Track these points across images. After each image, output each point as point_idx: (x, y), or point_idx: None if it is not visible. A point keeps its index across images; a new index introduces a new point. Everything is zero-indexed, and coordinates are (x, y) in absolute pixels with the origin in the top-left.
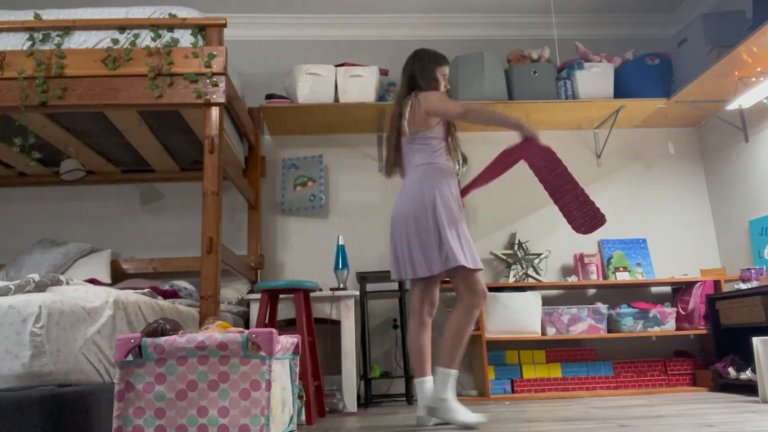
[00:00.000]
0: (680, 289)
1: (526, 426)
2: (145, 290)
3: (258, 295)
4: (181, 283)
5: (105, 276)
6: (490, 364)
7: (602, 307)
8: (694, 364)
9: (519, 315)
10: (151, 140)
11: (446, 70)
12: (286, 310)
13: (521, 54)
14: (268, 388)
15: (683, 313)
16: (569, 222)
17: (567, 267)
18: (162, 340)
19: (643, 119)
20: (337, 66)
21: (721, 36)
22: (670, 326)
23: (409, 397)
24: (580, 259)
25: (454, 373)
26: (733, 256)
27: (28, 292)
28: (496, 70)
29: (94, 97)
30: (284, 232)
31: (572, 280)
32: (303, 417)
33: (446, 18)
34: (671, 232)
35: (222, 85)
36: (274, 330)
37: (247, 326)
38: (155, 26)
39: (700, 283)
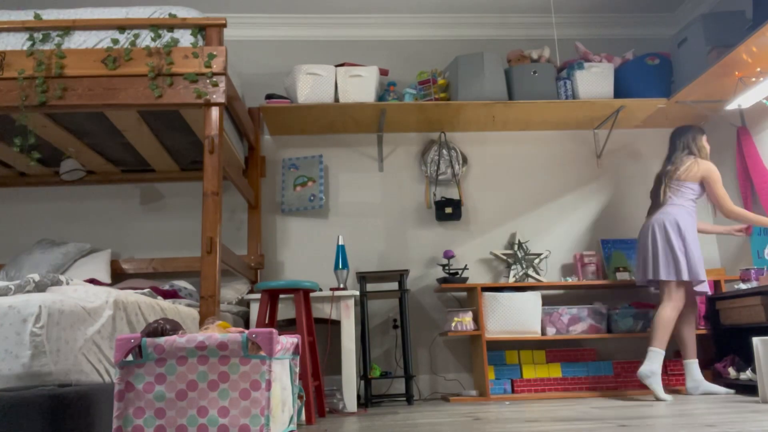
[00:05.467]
0: None
1: (526, 426)
2: (145, 290)
3: (258, 295)
4: (181, 283)
5: (105, 276)
6: (490, 364)
7: (602, 307)
8: None
9: (519, 315)
10: (151, 140)
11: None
12: (286, 310)
13: (521, 54)
14: (268, 388)
15: None
16: None
17: (567, 267)
18: (162, 340)
19: (643, 119)
20: (337, 66)
21: (721, 36)
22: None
23: (409, 397)
24: (580, 259)
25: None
26: (733, 256)
27: (28, 292)
28: (496, 70)
29: (94, 97)
30: (284, 232)
31: (572, 280)
32: (303, 417)
33: (446, 18)
34: None
35: (222, 85)
36: (274, 330)
37: (247, 326)
38: (155, 26)
39: None
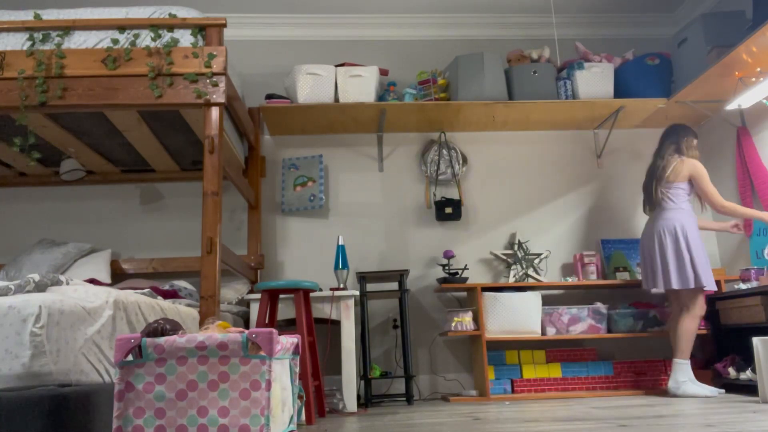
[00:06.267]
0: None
1: (526, 426)
2: (145, 290)
3: (258, 295)
4: (181, 283)
5: (105, 276)
6: (490, 364)
7: (602, 307)
8: (694, 364)
9: (519, 315)
10: (151, 140)
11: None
12: (286, 310)
13: (521, 54)
14: (268, 388)
15: None
16: None
17: (567, 267)
18: (162, 340)
19: (643, 119)
20: (337, 66)
21: (721, 36)
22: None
23: (409, 397)
24: (580, 259)
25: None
26: (733, 256)
27: (28, 292)
28: (496, 70)
29: (94, 97)
30: (284, 232)
31: (572, 280)
32: (303, 417)
33: (446, 18)
34: None
35: (222, 85)
36: (274, 330)
37: (247, 326)
38: (155, 26)
39: None
